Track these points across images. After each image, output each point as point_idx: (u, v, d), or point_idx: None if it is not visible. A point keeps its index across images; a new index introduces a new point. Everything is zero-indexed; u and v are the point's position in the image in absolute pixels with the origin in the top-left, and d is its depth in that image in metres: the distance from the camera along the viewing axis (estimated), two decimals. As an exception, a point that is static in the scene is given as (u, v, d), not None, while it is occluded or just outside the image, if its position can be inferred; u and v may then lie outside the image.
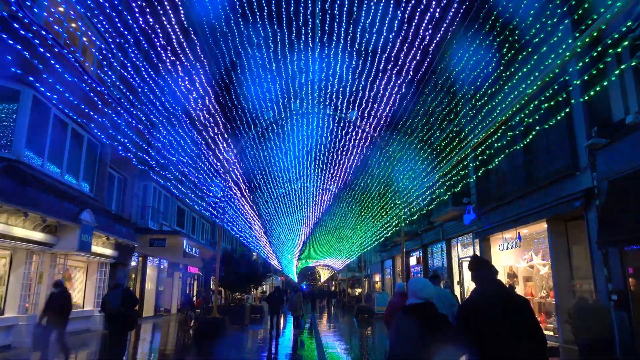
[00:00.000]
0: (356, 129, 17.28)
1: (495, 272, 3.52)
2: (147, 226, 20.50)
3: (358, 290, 51.57)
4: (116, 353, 8.67)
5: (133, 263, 20.55)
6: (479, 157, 13.80)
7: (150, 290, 23.55)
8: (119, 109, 13.41)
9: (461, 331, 3.21)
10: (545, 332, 14.19)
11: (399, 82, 14.49)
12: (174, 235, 20.55)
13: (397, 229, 19.33)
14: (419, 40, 12.88)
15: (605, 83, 9.08)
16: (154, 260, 23.74)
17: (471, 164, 16.57)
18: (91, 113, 12.06)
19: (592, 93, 9.19)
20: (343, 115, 16.31)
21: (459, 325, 3.31)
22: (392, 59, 13.90)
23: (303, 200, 33.86)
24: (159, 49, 13.55)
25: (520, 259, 16.25)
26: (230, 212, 20.26)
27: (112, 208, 17.57)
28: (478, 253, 18.30)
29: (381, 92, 15.53)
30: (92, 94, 11.75)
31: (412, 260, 28.59)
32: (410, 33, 12.80)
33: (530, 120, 11.27)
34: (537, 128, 11.17)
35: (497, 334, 3.09)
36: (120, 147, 13.24)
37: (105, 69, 13.48)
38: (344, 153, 20.79)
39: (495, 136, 13.45)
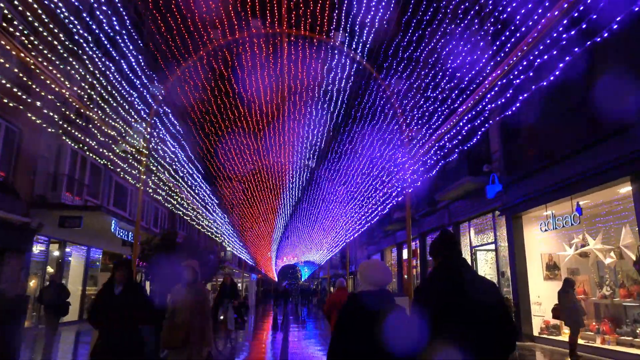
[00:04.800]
0: (342, 61, 12.43)
1: (460, 252, 2.98)
2: (59, 201, 15.18)
3: (341, 289, 47.24)
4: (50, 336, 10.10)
5: (36, 250, 15.23)
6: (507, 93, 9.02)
7: (74, 288, 18.24)
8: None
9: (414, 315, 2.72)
10: (618, 348, 9.55)
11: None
12: (95, 211, 15.20)
13: (396, 201, 14.44)
14: None
15: None
16: (79, 248, 18.44)
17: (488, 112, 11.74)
18: None
19: None
20: (324, 39, 11.43)
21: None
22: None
23: (279, 183, 29.00)
24: None
25: (566, 244, 11.71)
26: (165, 176, 14.98)
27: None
28: (505, 236, 13.59)
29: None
30: None
31: (406, 253, 23.98)
32: None
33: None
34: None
35: (451, 320, 2.58)
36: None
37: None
38: (326, 104, 15.86)
39: (530, 57, 8.55)
